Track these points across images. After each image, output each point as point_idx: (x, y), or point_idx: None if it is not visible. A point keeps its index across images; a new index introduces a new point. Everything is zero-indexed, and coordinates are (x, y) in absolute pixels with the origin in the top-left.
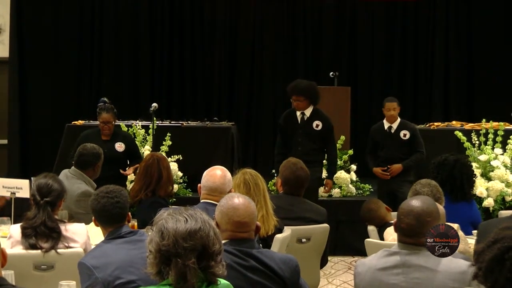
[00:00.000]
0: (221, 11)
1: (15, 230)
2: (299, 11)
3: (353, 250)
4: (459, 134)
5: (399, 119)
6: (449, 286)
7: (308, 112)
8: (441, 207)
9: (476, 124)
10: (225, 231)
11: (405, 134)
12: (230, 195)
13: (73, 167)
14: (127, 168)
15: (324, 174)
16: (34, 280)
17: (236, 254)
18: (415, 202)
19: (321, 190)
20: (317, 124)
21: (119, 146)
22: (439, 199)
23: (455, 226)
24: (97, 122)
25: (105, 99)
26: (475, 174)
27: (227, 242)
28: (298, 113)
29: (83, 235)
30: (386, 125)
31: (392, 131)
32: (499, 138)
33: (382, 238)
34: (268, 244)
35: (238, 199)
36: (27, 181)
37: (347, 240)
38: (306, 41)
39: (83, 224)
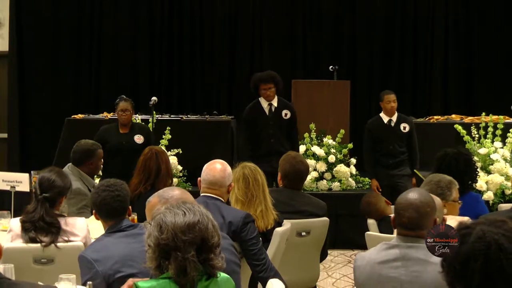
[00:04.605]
0: (221, 5)
1: (15, 223)
2: (298, 4)
3: (352, 244)
4: (458, 127)
5: (396, 113)
6: None
7: (275, 102)
8: (437, 198)
9: (475, 117)
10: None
11: (404, 127)
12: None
13: (71, 163)
14: None
15: None
16: (34, 274)
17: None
18: (412, 195)
19: None
20: (286, 113)
21: (138, 138)
22: (442, 195)
23: (465, 219)
24: (97, 116)
25: (123, 96)
26: (477, 166)
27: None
28: (265, 104)
29: (83, 229)
30: (385, 119)
31: (393, 124)
32: (498, 132)
33: (381, 231)
34: (268, 238)
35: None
36: (26, 175)
37: (346, 233)
38: (305, 35)
39: (83, 218)
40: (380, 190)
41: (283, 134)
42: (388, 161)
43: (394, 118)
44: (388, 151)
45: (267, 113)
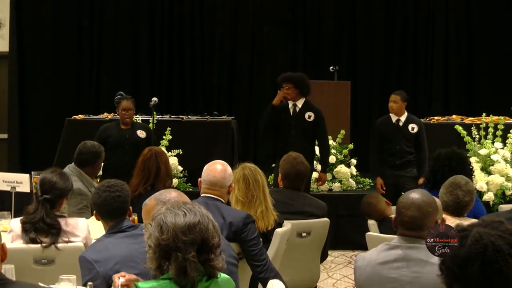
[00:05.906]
0: (221, 5)
1: (16, 224)
2: (299, 5)
3: (353, 244)
4: (459, 128)
5: (406, 113)
6: None
7: (299, 103)
8: (438, 200)
9: (476, 118)
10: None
11: (413, 128)
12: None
13: (73, 163)
14: None
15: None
16: (35, 274)
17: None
18: (414, 195)
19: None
20: (309, 115)
21: (141, 133)
22: (471, 201)
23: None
24: (97, 117)
25: (122, 92)
26: (472, 166)
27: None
28: (290, 105)
29: (84, 230)
30: (393, 118)
31: (401, 124)
32: (499, 132)
33: (382, 232)
34: (268, 238)
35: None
36: (27, 175)
37: (347, 234)
38: (305, 35)
39: (83, 219)
40: (385, 188)
41: (306, 136)
42: (395, 161)
43: (403, 118)
44: (395, 150)
45: (291, 113)
